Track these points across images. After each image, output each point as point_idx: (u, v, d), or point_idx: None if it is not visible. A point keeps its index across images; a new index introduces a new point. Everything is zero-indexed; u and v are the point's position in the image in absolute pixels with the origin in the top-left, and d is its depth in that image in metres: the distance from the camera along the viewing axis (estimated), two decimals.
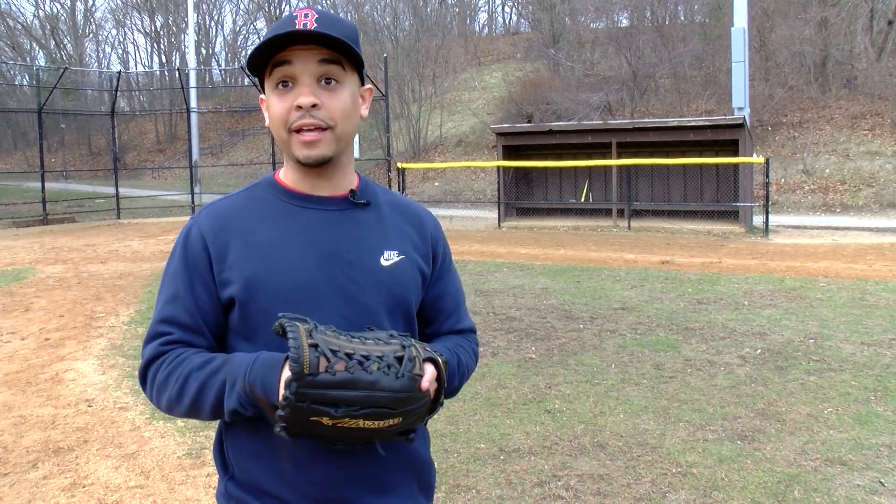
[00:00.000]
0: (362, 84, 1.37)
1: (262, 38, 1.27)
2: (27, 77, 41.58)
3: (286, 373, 1.11)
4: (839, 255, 11.75)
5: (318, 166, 1.31)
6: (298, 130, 1.27)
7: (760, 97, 24.21)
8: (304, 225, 1.32)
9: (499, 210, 18.80)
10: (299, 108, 1.26)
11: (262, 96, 1.36)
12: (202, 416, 1.26)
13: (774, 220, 16.32)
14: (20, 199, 24.81)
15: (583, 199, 19.67)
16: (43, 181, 21.45)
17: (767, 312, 7.36)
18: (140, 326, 7.33)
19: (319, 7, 1.42)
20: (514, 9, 50.80)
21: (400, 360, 1.13)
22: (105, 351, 6.42)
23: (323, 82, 1.27)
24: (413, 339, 1.20)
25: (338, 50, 1.26)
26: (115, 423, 4.61)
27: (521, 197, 20.15)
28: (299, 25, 1.23)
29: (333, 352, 1.09)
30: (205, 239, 1.30)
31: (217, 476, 1.40)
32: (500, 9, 52.66)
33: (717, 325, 6.87)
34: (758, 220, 16.26)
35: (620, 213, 17.70)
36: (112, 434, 4.42)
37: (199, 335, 1.30)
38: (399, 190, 19.04)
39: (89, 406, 4.96)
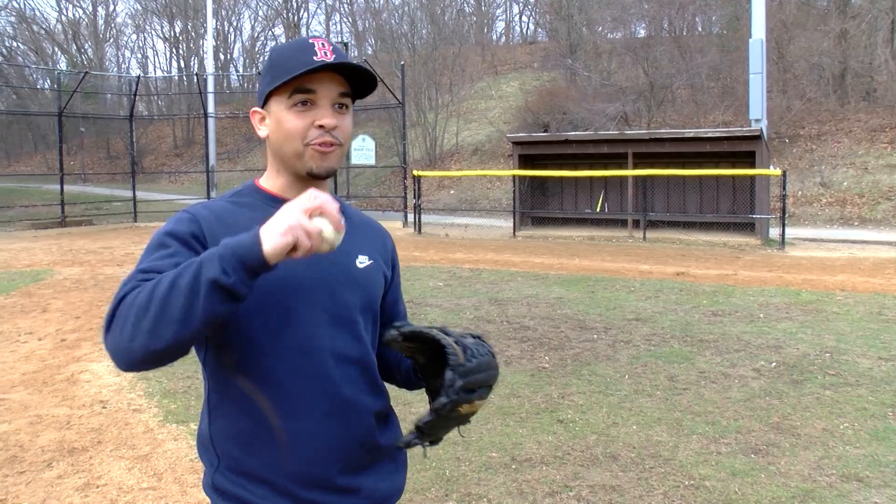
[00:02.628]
0: None
1: (288, 64, 1.37)
2: (48, 81, 42.07)
3: (448, 373, 1.29)
4: (857, 268, 11.65)
5: (326, 177, 1.43)
6: (319, 144, 1.39)
7: (778, 109, 24.06)
8: None
9: (514, 219, 18.76)
10: (321, 126, 1.38)
11: (256, 108, 1.45)
12: (174, 314, 1.14)
13: (791, 232, 16.18)
14: (39, 201, 25.07)
15: (598, 210, 19.61)
16: (62, 183, 21.69)
17: (783, 325, 7.31)
18: None
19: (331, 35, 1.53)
20: (531, 18, 50.84)
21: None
22: None
23: (337, 107, 1.41)
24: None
25: (352, 84, 1.42)
26: (128, 425, 4.64)
27: (536, 206, 20.12)
28: (320, 54, 1.36)
29: (464, 345, 1.31)
30: (200, 223, 1.35)
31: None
32: (517, 18, 52.61)
33: (732, 337, 6.83)
34: (774, 232, 16.13)
35: (636, 223, 17.61)
36: (126, 435, 4.46)
37: None
38: (415, 198, 19.07)
39: (104, 407, 5.00)
